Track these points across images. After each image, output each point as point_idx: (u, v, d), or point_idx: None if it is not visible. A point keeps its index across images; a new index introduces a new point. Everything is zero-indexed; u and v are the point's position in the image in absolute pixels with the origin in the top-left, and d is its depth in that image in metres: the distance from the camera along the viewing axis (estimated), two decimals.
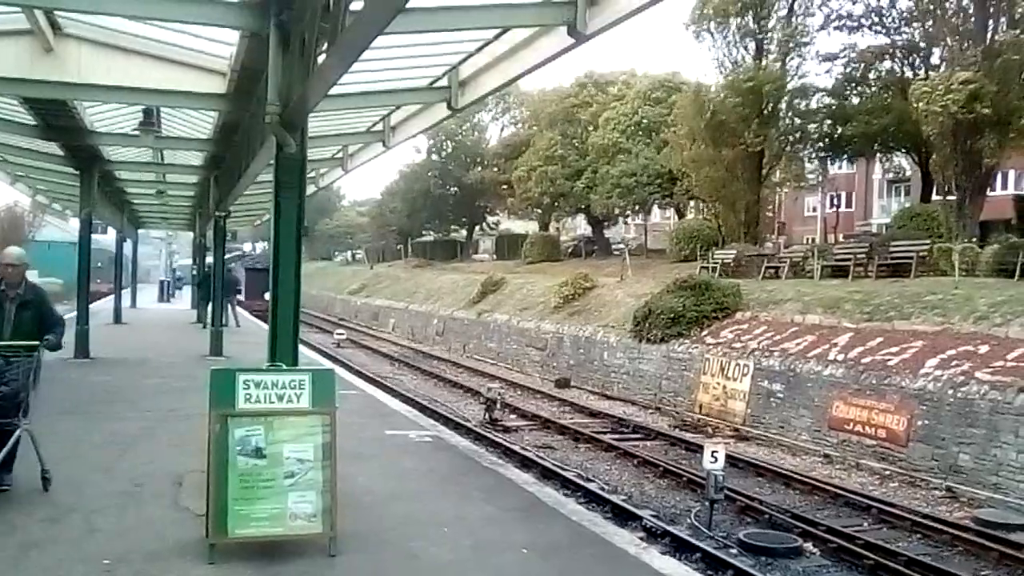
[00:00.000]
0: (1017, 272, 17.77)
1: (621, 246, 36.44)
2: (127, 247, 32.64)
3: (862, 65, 29.79)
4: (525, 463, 12.70)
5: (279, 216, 7.03)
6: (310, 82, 6.46)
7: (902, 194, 42.30)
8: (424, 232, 62.24)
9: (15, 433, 6.31)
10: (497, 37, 8.47)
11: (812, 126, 30.37)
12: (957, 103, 21.04)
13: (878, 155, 34.11)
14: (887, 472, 13.01)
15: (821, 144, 31.08)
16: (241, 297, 35.62)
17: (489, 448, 13.03)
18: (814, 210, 45.24)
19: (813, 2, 29.74)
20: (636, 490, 12.26)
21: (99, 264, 29.20)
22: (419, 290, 40.53)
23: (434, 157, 56.61)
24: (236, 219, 25.86)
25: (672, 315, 19.71)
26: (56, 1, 8.17)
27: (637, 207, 39.47)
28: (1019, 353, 12.68)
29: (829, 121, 30.09)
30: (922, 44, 28.13)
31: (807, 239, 41.48)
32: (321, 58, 6.32)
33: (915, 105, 22.74)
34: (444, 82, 10.06)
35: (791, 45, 29.23)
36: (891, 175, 41.21)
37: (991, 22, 23.04)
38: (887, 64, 29.58)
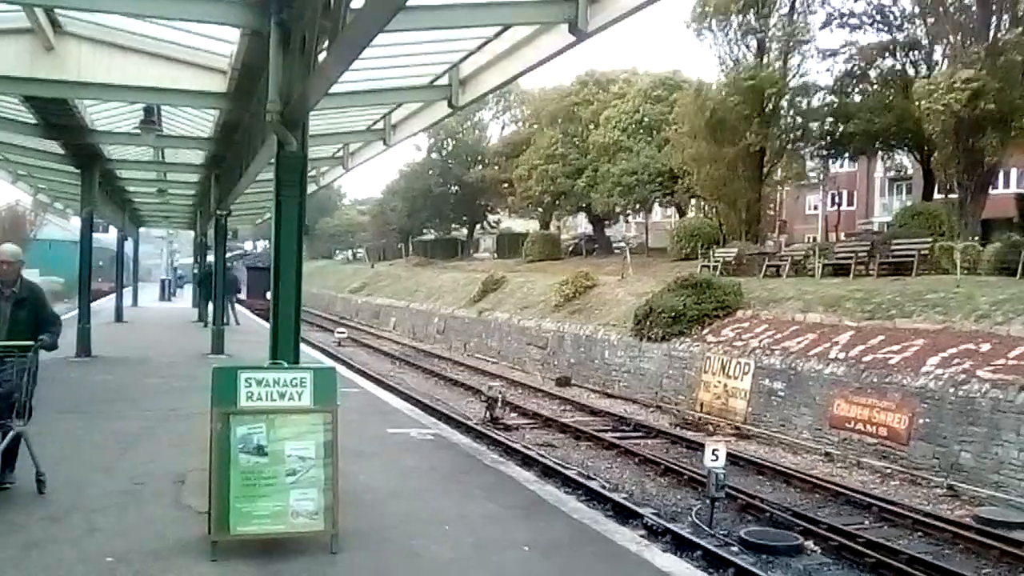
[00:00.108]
0: (1019, 270, 17.70)
1: (622, 244, 36.46)
2: (128, 246, 32.63)
3: (864, 62, 29.70)
4: (526, 461, 12.69)
5: (280, 215, 7.02)
6: (311, 80, 6.45)
7: (904, 192, 42.19)
8: (425, 231, 62.17)
9: (9, 433, 6.23)
10: (498, 35, 8.45)
11: (813, 124, 30.24)
12: (959, 101, 21.03)
13: (880, 153, 33.97)
14: (888, 470, 13.00)
15: (822, 142, 30.95)
16: (242, 296, 35.66)
17: (490, 446, 13.03)
18: (815, 208, 45.12)
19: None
20: (637, 488, 12.27)
21: (100, 263, 29.18)
22: (420, 289, 40.50)
23: (435, 155, 56.52)
24: (237, 217, 25.83)
25: (673, 313, 19.70)
26: None
27: (638, 205, 39.34)
28: (1020, 351, 12.67)
29: (830, 119, 29.95)
30: (924, 41, 28.08)
31: (808, 237, 41.36)
32: (322, 56, 6.30)
33: (917, 103, 22.72)
34: (445, 80, 10.05)
35: (792, 43, 29.17)
36: (892, 173, 41.06)
37: (993, 19, 23.03)
38: (889, 61, 29.48)
